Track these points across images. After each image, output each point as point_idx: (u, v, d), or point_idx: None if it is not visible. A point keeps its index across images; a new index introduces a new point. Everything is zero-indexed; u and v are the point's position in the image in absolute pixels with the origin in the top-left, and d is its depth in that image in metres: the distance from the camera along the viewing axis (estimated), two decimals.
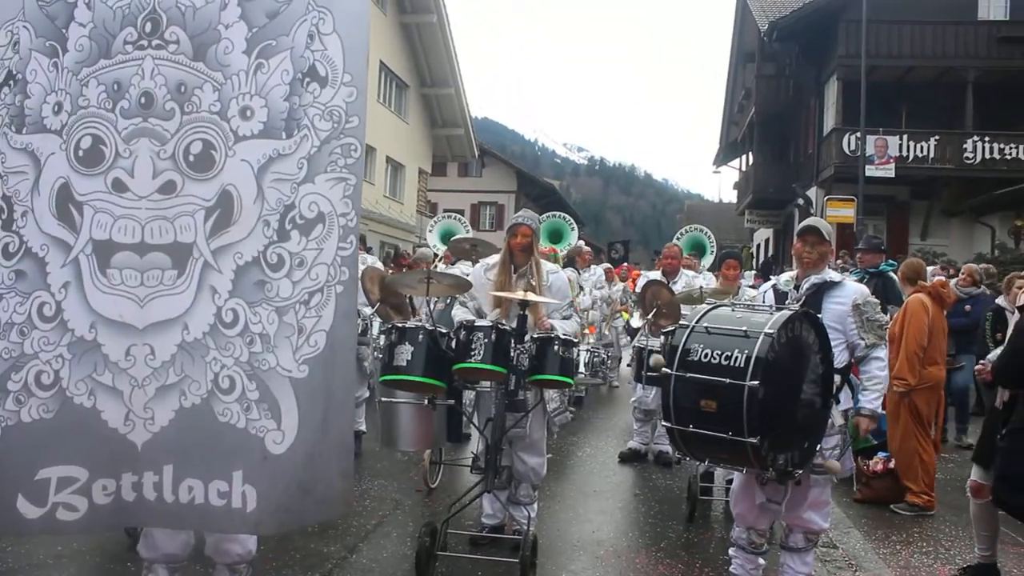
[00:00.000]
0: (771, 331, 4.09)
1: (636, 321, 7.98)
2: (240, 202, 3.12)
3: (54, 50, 3.22)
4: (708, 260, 12.16)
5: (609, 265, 15.05)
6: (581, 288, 11.30)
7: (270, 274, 3.11)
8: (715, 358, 4.14)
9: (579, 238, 13.47)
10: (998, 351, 5.05)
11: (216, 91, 3.12)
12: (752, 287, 8.66)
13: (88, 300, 3.10)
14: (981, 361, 5.05)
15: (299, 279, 3.12)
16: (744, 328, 4.18)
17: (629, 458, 8.25)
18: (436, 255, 10.55)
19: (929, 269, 10.16)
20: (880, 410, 4.70)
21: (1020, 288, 5.39)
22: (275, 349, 3.09)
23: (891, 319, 6.67)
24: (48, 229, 3.16)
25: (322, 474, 3.14)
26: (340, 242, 3.15)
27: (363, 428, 7.97)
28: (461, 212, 15.46)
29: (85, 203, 3.12)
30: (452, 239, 10.39)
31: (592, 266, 13.15)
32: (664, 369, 4.32)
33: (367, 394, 7.92)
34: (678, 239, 11.81)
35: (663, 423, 4.47)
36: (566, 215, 14.07)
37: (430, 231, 11.45)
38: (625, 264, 17.55)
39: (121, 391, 3.08)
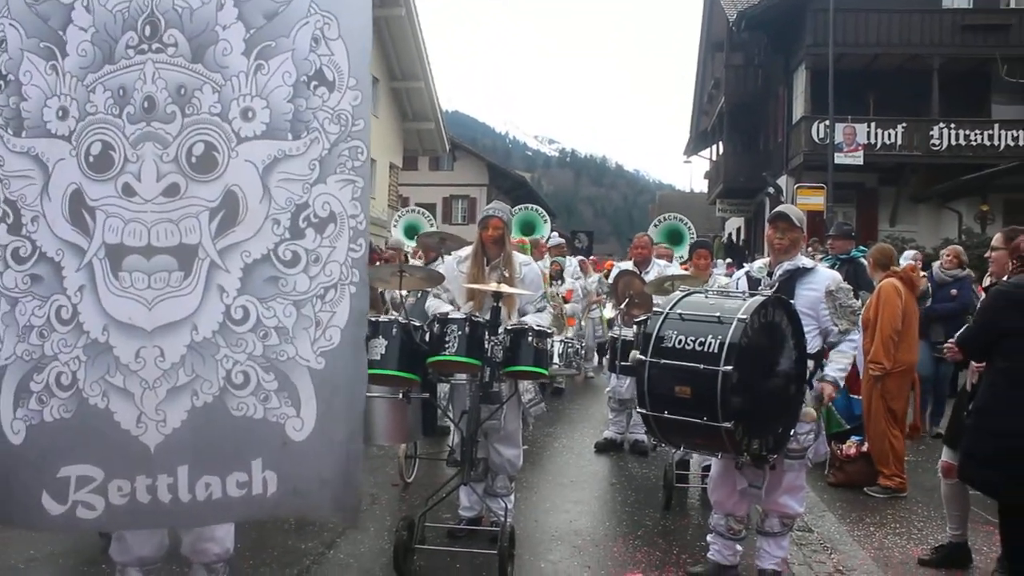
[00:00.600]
0: (744, 316, 4.12)
1: (608, 311, 7.99)
2: (245, 202, 3.17)
3: (51, 52, 3.21)
4: (686, 249, 12.19)
5: (583, 257, 15.08)
6: (561, 279, 11.32)
7: (284, 270, 3.18)
8: (689, 344, 4.17)
9: (552, 230, 13.51)
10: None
11: (216, 92, 3.15)
12: (726, 275, 8.72)
13: (101, 303, 3.17)
14: (949, 341, 5.11)
15: (315, 274, 3.19)
16: (717, 314, 4.21)
17: (605, 448, 8.27)
18: (406, 253, 10.55)
19: (909, 254, 9.98)
20: (842, 382, 4.75)
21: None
22: (294, 340, 3.17)
23: (863, 305, 6.73)
24: (62, 234, 3.21)
25: (339, 471, 3.22)
26: (351, 243, 3.21)
27: None
28: (433, 206, 15.45)
29: (97, 208, 3.17)
30: (419, 234, 10.37)
31: (568, 257, 13.16)
32: (638, 356, 4.34)
33: None
34: (655, 226, 11.80)
35: (639, 410, 4.49)
36: (538, 207, 14.09)
37: (394, 226, 11.43)
38: (592, 257, 17.53)
39: (132, 393, 3.14)
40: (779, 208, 5.03)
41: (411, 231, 11.06)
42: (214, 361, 3.15)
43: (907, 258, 10.06)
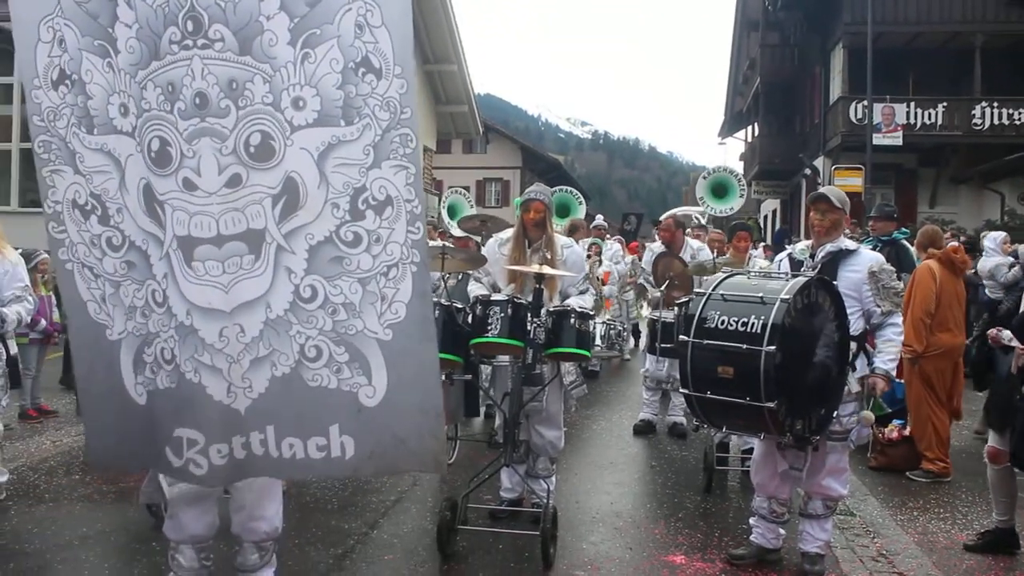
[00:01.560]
0: (787, 297, 4.11)
1: (645, 310, 7.89)
2: (304, 187, 3.23)
3: (104, 50, 3.28)
4: (738, 202, 11.94)
5: (621, 238, 14.99)
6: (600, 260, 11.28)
7: (347, 250, 3.25)
8: (732, 324, 4.17)
9: (587, 212, 13.46)
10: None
11: (267, 83, 3.18)
12: (765, 259, 8.65)
13: (181, 290, 3.29)
14: (996, 328, 5.04)
15: (377, 253, 3.25)
16: (760, 295, 4.20)
17: (643, 430, 8.27)
18: (450, 235, 10.61)
19: (998, 236, 9.70)
20: (894, 373, 4.70)
21: None
22: (361, 315, 3.27)
23: (904, 287, 6.65)
24: (143, 225, 3.35)
25: (413, 429, 3.33)
26: (409, 226, 3.25)
27: None
28: (466, 189, 15.45)
29: (165, 202, 3.26)
30: (461, 218, 10.40)
31: (608, 239, 13.11)
32: (681, 336, 4.34)
33: None
34: (704, 178, 11.58)
35: (681, 390, 4.49)
36: (573, 189, 14.04)
37: (443, 208, 11.52)
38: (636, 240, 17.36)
39: (220, 368, 3.29)
40: (820, 190, 4.98)
41: (453, 212, 11.12)
42: (288, 337, 3.29)
43: (993, 240, 9.83)
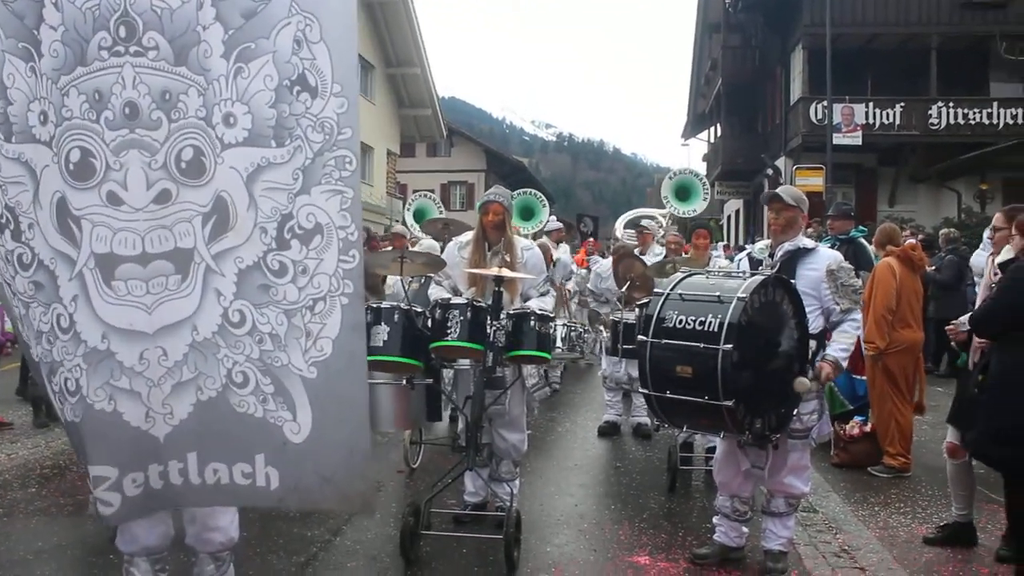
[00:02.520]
0: (744, 295, 4.13)
1: (604, 334, 7.74)
2: (234, 208, 3.08)
3: (28, 53, 3.09)
4: (700, 204, 11.99)
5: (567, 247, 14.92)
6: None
7: (273, 279, 3.11)
8: (689, 324, 4.19)
9: (551, 215, 13.45)
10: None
11: (201, 95, 3.03)
12: (725, 258, 8.71)
13: (97, 312, 3.13)
14: (952, 322, 5.10)
15: (303, 285, 3.10)
16: (717, 294, 4.22)
17: (607, 431, 8.29)
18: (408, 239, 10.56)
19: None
20: (844, 363, 4.71)
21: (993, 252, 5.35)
22: (286, 348, 3.12)
23: (863, 285, 6.71)
24: (53, 243, 3.16)
25: (340, 468, 3.19)
26: (341, 255, 3.09)
27: None
28: (431, 191, 15.38)
29: (83, 217, 3.09)
30: (424, 221, 10.37)
31: (561, 244, 13.08)
32: (640, 336, 4.35)
33: None
34: (670, 179, 11.63)
35: (641, 390, 4.49)
36: (538, 192, 14.05)
37: (408, 210, 11.46)
38: (591, 239, 17.42)
39: (139, 392, 3.15)
40: (773, 189, 5.01)
41: (420, 215, 11.07)
42: (215, 359, 3.15)
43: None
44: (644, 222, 10.19)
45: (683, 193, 12.51)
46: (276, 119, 3.03)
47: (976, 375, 4.64)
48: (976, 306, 5.12)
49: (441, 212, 11.36)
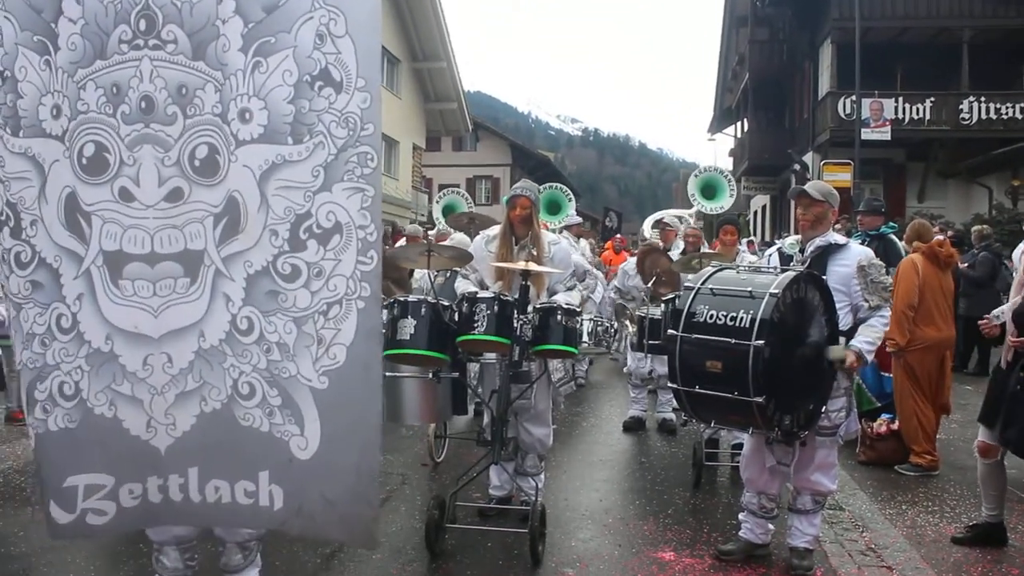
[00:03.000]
0: (776, 291, 4.10)
1: (630, 328, 7.74)
2: (245, 209, 3.00)
3: (44, 47, 3.05)
4: (727, 201, 11.93)
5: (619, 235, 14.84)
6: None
7: (283, 284, 3.01)
8: (720, 319, 4.16)
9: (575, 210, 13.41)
10: (1002, 307, 5.03)
11: (218, 92, 2.97)
12: (750, 254, 8.64)
13: (102, 312, 3.06)
14: (986, 316, 5.03)
15: (317, 289, 3.00)
16: (749, 289, 4.19)
17: (632, 427, 8.27)
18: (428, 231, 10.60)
19: None
20: (869, 357, 4.66)
21: None
22: (295, 358, 3.02)
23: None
24: (59, 240, 3.10)
25: (346, 491, 3.08)
26: (359, 255, 3.00)
27: None
28: (457, 187, 15.37)
29: (93, 213, 3.03)
30: (450, 216, 10.39)
31: (580, 239, 13.05)
32: (669, 331, 4.33)
33: None
34: (696, 176, 11.56)
35: (670, 384, 4.48)
36: (563, 186, 14.02)
37: (438, 202, 11.48)
38: (618, 236, 17.20)
39: (141, 400, 3.07)
40: (801, 185, 4.97)
41: (448, 211, 11.07)
42: (222, 369, 3.06)
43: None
44: (668, 219, 10.15)
45: (709, 191, 12.44)
46: (294, 115, 2.97)
47: (1018, 372, 4.55)
48: (1011, 301, 5.05)
49: (470, 207, 11.34)
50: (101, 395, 3.07)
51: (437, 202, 11.57)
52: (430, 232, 10.46)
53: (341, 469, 3.05)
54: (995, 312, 4.95)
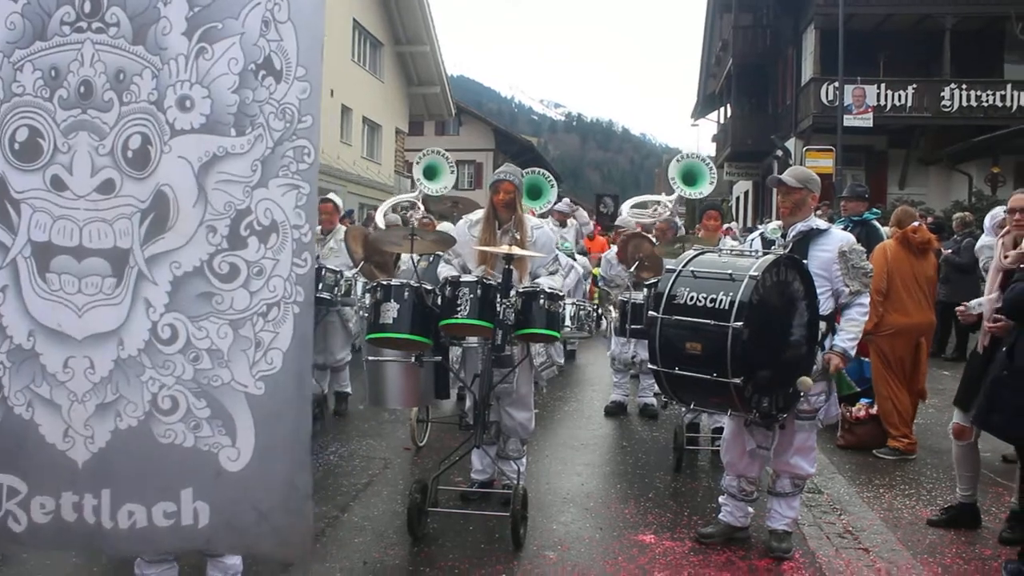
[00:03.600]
0: (756, 274, 4.13)
1: (613, 314, 7.77)
2: (176, 204, 2.87)
3: None
4: (707, 188, 11.98)
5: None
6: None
7: (219, 285, 2.87)
8: (700, 301, 4.19)
9: (561, 196, 13.37)
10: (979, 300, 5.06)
11: (154, 78, 2.85)
12: (731, 240, 8.68)
13: (27, 306, 2.93)
14: (964, 304, 5.08)
15: (257, 289, 2.87)
16: (729, 271, 4.22)
17: (614, 411, 8.31)
18: (413, 204, 10.40)
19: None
20: (852, 352, 4.71)
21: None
22: (229, 364, 2.88)
23: None
24: None
25: (279, 503, 2.94)
26: (294, 257, 2.88)
27: (348, 389, 8.00)
28: (438, 151, 15.00)
29: (23, 201, 2.91)
30: (434, 197, 10.21)
31: (570, 224, 13.02)
32: (651, 313, 4.36)
33: (350, 356, 7.93)
34: (678, 161, 11.57)
35: (650, 366, 4.51)
36: (545, 171, 13.97)
37: (417, 163, 11.08)
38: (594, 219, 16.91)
39: (59, 405, 2.92)
40: (777, 174, 4.99)
41: (431, 173, 10.68)
42: (139, 382, 2.90)
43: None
44: (652, 207, 10.15)
45: (690, 178, 12.43)
46: (238, 105, 2.86)
47: (1003, 356, 4.58)
48: (987, 290, 5.09)
49: (453, 172, 11.00)
50: (20, 395, 2.93)
51: (417, 163, 11.15)
52: (413, 215, 10.36)
53: (275, 480, 2.92)
54: (972, 303, 4.99)
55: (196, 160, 2.86)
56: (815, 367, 4.59)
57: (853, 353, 4.73)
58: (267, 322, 2.88)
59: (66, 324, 2.90)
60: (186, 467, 2.91)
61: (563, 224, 12.28)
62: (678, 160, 12.21)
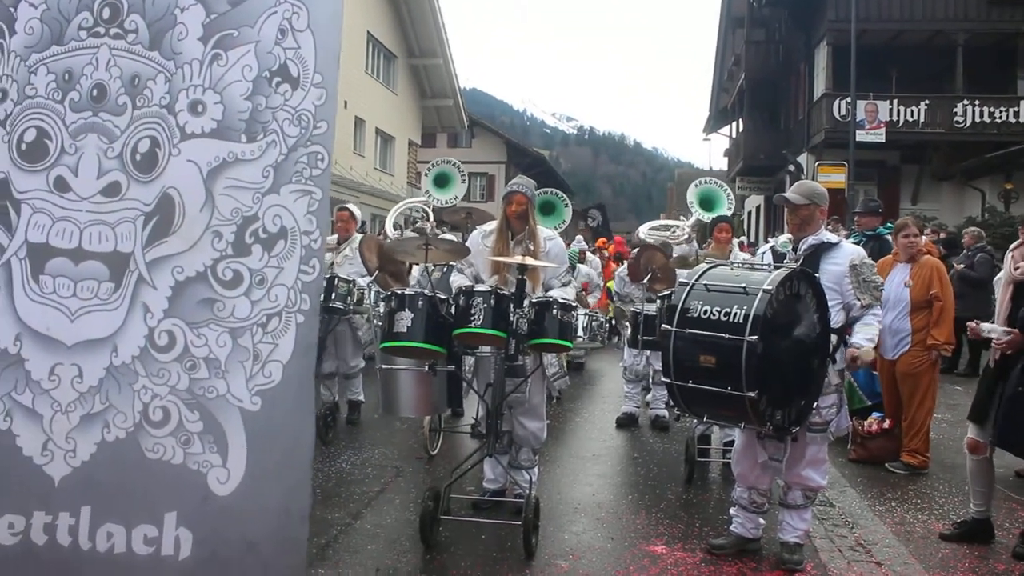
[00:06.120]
0: (770, 288, 4.14)
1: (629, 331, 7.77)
2: (182, 208, 2.87)
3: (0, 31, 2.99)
4: (724, 212, 12.02)
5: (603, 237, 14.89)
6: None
7: (222, 292, 2.85)
8: (714, 314, 4.21)
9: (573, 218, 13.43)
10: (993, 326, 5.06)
11: (167, 82, 2.89)
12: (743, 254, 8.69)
13: (16, 308, 2.89)
14: (977, 324, 5.08)
15: (258, 298, 2.85)
16: (743, 285, 4.24)
17: (625, 423, 8.32)
18: (425, 213, 10.45)
19: None
20: (872, 348, 4.71)
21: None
22: (226, 375, 2.83)
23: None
24: None
25: (271, 533, 2.82)
26: (302, 264, 2.87)
27: (361, 397, 8.04)
28: (450, 161, 14.99)
29: (23, 201, 2.92)
30: (445, 210, 10.23)
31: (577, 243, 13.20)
32: (664, 326, 4.38)
33: (363, 364, 7.97)
34: (696, 186, 11.60)
35: (663, 379, 4.52)
36: (559, 192, 14.00)
37: (426, 175, 11.09)
38: (617, 237, 16.86)
39: (41, 415, 2.86)
40: (783, 193, 5.02)
41: (441, 181, 10.64)
42: (131, 391, 2.85)
43: None
44: (671, 230, 10.20)
45: (707, 203, 12.49)
46: (250, 112, 2.88)
47: (1019, 373, 4.57)
48: (999, 303, 5.10)
49: (464, 181, 11.00)
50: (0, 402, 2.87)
51: (426, 174, 11.12)
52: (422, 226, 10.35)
53: (266, 506, 2.81)
54: (985, 326, 4.96)
55: (205, 164, 2.88)
56: (827, 379, 4.60)
57: (873, 346, 4.70)
58: (266, 333, 2.85)
59: (56, 329, 2.86)
60: (172, 487, 2.82)
61: (582, 260, 12.56)
62: (697, 185, 12.27)
